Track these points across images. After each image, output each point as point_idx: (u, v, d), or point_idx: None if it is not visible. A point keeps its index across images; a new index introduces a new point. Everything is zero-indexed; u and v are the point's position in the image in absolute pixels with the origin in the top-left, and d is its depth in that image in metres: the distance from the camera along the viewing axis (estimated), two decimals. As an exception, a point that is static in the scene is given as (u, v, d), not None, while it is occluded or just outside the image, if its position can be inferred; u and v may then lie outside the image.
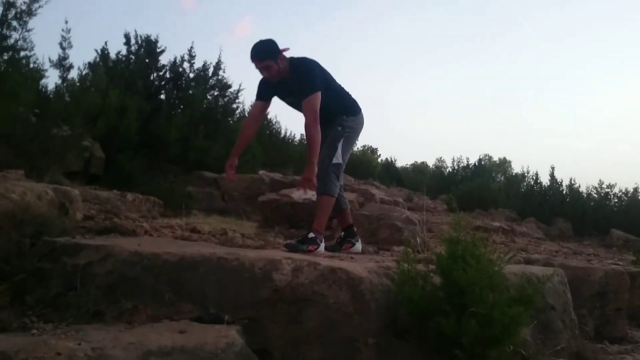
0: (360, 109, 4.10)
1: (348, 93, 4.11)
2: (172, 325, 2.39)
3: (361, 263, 3.09)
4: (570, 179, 13.34)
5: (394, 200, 10.26)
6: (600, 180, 12.95)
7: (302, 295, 2.59)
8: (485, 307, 2.40)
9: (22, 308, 2.56)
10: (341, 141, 3.87)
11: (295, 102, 3.91)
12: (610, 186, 12.60)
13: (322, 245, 3.74)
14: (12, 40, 3.79)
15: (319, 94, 3.69)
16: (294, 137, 20.72)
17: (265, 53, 3.69)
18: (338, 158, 3.82)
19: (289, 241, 3.81)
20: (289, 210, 6.82)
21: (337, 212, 4.11)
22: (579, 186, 13.25)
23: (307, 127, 3.67)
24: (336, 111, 3.94)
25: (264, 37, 3.74)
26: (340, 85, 4.09)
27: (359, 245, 4.16)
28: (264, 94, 3.98)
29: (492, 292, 2.50)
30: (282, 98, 4.03)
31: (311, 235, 3.68)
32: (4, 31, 3.74)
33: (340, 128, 3.91)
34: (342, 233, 4.17)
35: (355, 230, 4.25)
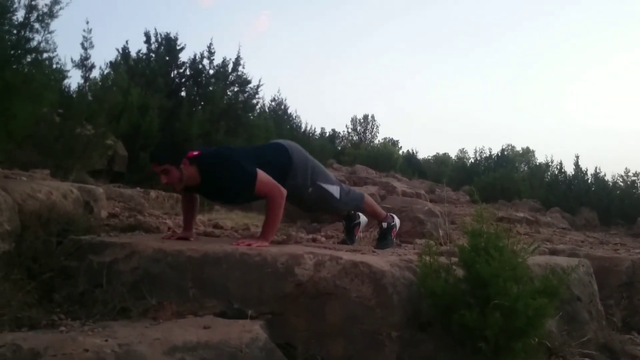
0: (284, 150, 3.54)
1: (266, 148, 3.64)
2: (197, 320, 2.41)
3: (383, 256, 3.08)
4: (596, 168, 13.17)
5: (416, 192, 10.23)
6: (626, 168, 12.75)
7: (325, 290, 2.60)
8: (509, 299, 2.38)
9: (50, 305, 2.62)
10: (317, 185, 3.57)
11: (227, 202, 3.63)
12: (637, 174, 12.38)
13: (395, 220, 3.91)
14: (34, 43, 3.83)
15: (259, 172, 3.17)
16: (315, 131, 20.80)
17: (164, 156, 3.15)
18: (334, 191, 3.64)
19: (374, 246, 3.77)
20: (310, 205, 6.80)
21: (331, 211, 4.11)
22: (605, 175, 13.07)
23: (274, 201, 3.21)
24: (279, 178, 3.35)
25: (167, 139, 3.44)
26: (255, 149, 3.62)
27: (363, 219, 4.09)
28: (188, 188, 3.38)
29: (516, 283, 2.47)
30: (212, 197, 3.64)
31: (384, 225, 3.81)
32: (27, 34, 3.79)
33: (304, 189, 3.55)
34: (344, 222, 4.10)
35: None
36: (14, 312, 2.38)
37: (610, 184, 12.82)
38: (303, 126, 19.63)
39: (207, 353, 2.07)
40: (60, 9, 3.90)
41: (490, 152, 20.62)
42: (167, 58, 11.06)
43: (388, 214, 3.92)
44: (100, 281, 2.64)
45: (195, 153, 3.21)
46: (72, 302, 2.64)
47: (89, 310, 2.54)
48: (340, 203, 3.69)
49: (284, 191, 3.22)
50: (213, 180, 3.22)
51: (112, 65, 10.44)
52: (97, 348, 1.95)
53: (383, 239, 3.74)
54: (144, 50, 11.17)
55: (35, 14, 3.81)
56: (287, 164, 3.45)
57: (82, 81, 7.86)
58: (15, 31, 3.77)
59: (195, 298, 2.58)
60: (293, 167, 3.45)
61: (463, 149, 28.05)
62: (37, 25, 3.83)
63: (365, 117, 29.63)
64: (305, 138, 18.79)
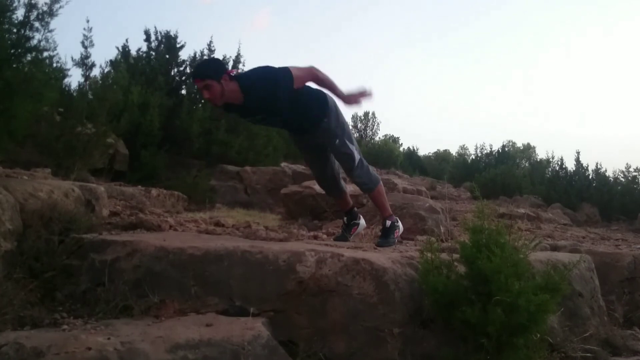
0: (323, 94, 3.65)
1: (307, 87, 3.65)
2: (199, 318, 2.42)
3: (385, 253, 3.08)
4: (597, 164, 13.18)
5: (417, 189, 10.21)
6: (627, 164, 12.75)
7: (326, 287, 2.60)
8: (510, 295, 2.38)
9: (52, 304, 2.62)
10: (343, 141, 3.64)
11: (267, 119, 3.64)
12: (638, 170, 12.38)
13: (399, 223, 3.89)
14: (35, 41, 3.83)
15: (290, 67, 3.36)
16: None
17: (206, 71, 3.35)
18: (355, 154, 3.68)
19: (376, 243, 3.77)
20: (311, 202, 6.83)
21: (337, 196, 4.11)
22: (606, 170, 13.08)
23: (317, 73, 3.46)
24: (314, 118, 3.60)
25: (209, 57, 3.60)
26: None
27: (362, 222, 4.12)
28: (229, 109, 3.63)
29: (517, 280, 2.47)
30: (253, 120, 3.78)
31: (387, 223, 3.77)
32: (27, 32, 3.79)
33: (333, 138, 3.63)
34: (345, 218, 4.12)
35: (356, 209, 4.20)
36: (16, 310, 2.38)
37: (612, 179, 12.84)
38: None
39: (209, 351, 2.07)
40: (60, 7, 3.90)
41: (491, 148, 20.64)
42: (167, 56, 11.04)
43: (394, 215, 3.91)
44: (103, 279, 2.64)
45: (236, 71, 3.41)
46: (75, 300, 2.65)
47: (91, 308, 2.54)
48: (355, 170, 3.72)
49: (314, 67, 3.45)
50: (253, 92, 3.34)
51: (113, 63, 10.42)
52: (100, 346, 1.96)
53: (385, 237, 3.73)
54: (144, 49, 11.15)
55: (35, 13, 3.81)
56: (324, 103, 3.61)
57: (82, 80, 7.88)
58: (15, 30, 3.77)
59: (197, 296, 2.59)
60: (329, 109, 3.59)
61: (464, 145, 28.14)
62: (37, 24, 3.82)
63: (366, 114, 29.60)
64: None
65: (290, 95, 3.37)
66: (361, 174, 3.74)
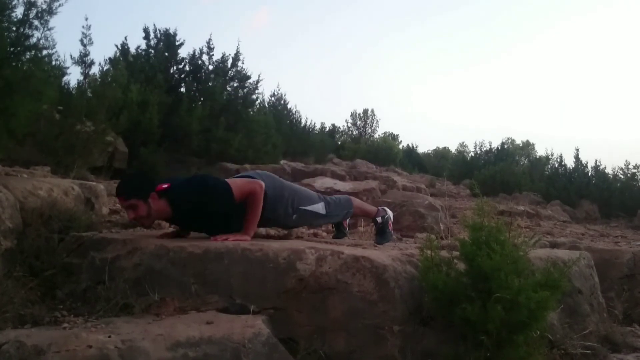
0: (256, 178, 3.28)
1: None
2: (199, 316, 2.42)
3: (385, 251, 3.09)
4: (596, 160, 13.19)
5: (416, 186, 10.23)
6: (626, 160, 12.76)
7: (326, 284, 2.60)
8: (510, 292, 2.39)
9: (53, 302, 2.63)
10: (302, 210, 3.44)
11: (209, 227, 3.19)
12: (637, 167, 12.39)
13: (388, 213, 3.84)
14: (34, 40, 3.82)
15: (229, 180, 3.12)
16: (315, 126, 20.80)
17: (131, 190, 2.95)
18: (318, 209, 3.53)
19: (376, 241, 3.75)
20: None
21: None
22: (605, 167, 13.08)
23: (254, 195, 3.06)
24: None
25: (135, 171, 3.20)
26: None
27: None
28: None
29: (517, 277, 2.48)
30: (188, 230, 3.35)
31: (378, 220, 3.76)
32: (26, 31, 3.78)
33: (288, 219, 3.43)
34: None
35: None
36: (16, 309, 2.38)
37: (611, 176, 12.85)
38: (303, 121, 19.65)
39: (210, 348, 2.07)
40: (59, 5, 3.90)
41: (490, 145, 20.62)
42: (167, 54, 11.04)
43: (379, 208, 3.90)
44: (103, 278, 2.65)
45: (165, 186, 3.01)
46: (75, 298, 2.65)
47: (91, 306, 2.54)
48: (328, 218, 3.66)
49: (262, 184, 3.11)
50: (187, 210, 3.01)
51: (112, 61, 10.43)
52: (101, 344, 1.96)
53: (382, 234, 3.73)
54: (143, 46, 11.16)
55: (34, 11, 3.81)
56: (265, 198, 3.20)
57: (81, 78, 7.88)
58: (14, 28, 3.77)
59: (198, 294, 2.59)
60: (269, 201, 3.22)
61: (463, 142, 28.15)
62: (36, 22, 3.82)
63: (365, 111, 29.59)
64: (305, 133, 18.82)
65: (226, 208, 3.06)
66: (335, 213, 3.67)
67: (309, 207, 3.48)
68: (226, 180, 3.12)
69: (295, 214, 3.42)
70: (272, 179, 3.43)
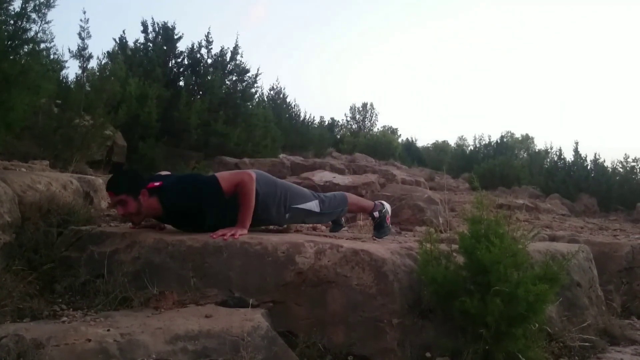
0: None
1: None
2: (198, 309, 2.42)
3: (384, 244, 3.09)
4: (595, 154, 13.21)
5: (416, 180, 10.23)
6: (625, 154, 12.77)
7: (325, 278, 2.61)
8: (509, 285, 2.39)
9: (52, 296, 2.63)
10: (294, 208, 3.40)
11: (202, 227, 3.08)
12: (636, 160, 12.41)
13: (385, 207, 3.78)
14: (32, 33, 3.81)
15: (216, 177, 3.04)
16: (314, 120, 20.76)
17: (121, 185, 2.92)
18: (312, 207, 3.48)
19: (374, 235, 3.73)
20: (310, 193, 6.81)
21: None
22: (604, 161, 13.10)
23: (244, 186, 3.00)
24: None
25: (127, 168, 3.14)
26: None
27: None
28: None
29: (516, 270, 2.48)
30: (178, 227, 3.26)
31: (375, 214, 3.72)
32: (24, 24, 3.77)
33: (281, 217, 3.38)
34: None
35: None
36: (15, 303, 2.39)
37: (610, 170, 12.86)
38: (302, 115, 19.61)
39: (209, 342, 2.08)
40: (57, -2, 3.88)
41: (489, 139, 20.69)
42: (165, 47, 11.00)
43: (375, 202, 3.88)
44: (102, 271, 2.65)
45: (157, 184, 2.99)
46: (74, 292, 2.65)
47: (90, 300, 2.55)
48: (322, 216, 3.62)
49: (253, 175, 3.06)
50: (177, 208, 2.97)
51: (110, 55, 10.39)
52: (100, 338, 1.96)
53: (380, 228, 3.72)
54: (142, 40, 11.11)
55: (32, 4, 3.79)
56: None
57: (79, 71, 7.84)
58: (12, 21, 3.75)
59: (197, 287, 2.59)
60: (260, 201, 3.16)
61: (462, 136, 28.15)
62: (34, 16, 3.81)
63: (364, 105, 29.57)
64: (304, 127, 18.79)
65: (218, 204, 3.01)
66: (330, 211, 3.63)
67: (302, 205, 3.44)
68: (214, 175, 3.08)
69: (288, 213, 3.37)
70: (265, 176, 3.37)
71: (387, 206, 3.87)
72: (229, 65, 11.52)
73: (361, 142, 21.97)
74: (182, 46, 11.29)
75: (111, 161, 7.78)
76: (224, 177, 3.04)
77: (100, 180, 4.19)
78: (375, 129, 28.59)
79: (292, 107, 19.30)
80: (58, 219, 3.07)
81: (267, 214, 3.27)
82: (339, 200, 3.70)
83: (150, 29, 11.12)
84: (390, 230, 3.82)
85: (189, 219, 3.03)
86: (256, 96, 12.74)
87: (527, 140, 29.26)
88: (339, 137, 25.40)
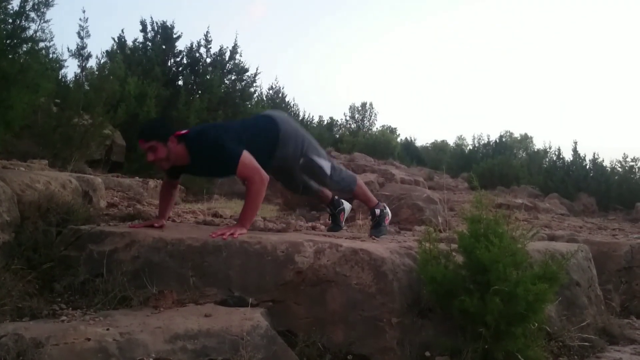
0: (272, 121, 3.42)
1: (254, 120, 3.55)
2: (198, 309, 2.42)
3: (383, 243, 3.09)
4: (594, 154, 13.21)
5: (415, 179, 10.23)
6: (624, 154, 12.76)
7: (325, 277, 2.61)
8: (509, 284, 2.39)
9: (51, 295, 2.62)
10: (309, 158, 3.47)
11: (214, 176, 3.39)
12: (635, 160, 12.40)
13: (387, 209, 3.83)
14: (30, 32, 3.80)
15: (244, 154, 3.06)
16: (313, 119, 20.76)
17: (152, 132, 3.10)
18: (325, 166, 3.55)
19: (371, 233, 3.74)
20: (309, 193, 6.81)
21: (314, 195, 3.99)
22: (603, 160, 13.09)
23: (253, 185, 3.05)
24: (267, 149, 3.33)
25: (158, 116, 3.38)
26: (243, 122, 3.56)
27: (347, 205, 4.05)
28: (173, 173, 3.38)
29: (515, 269, 2.48)
30: (200, 174, 3.61)
31: (376, 211, 3.74)
32: (23, 23, 3.76)
33: (295, 161, 3.46)
34: (329, 209, 4.06)
35: (337, 197, 4.07)
36: (14, 302, 2.38)
37: (609, 169, 12.86)
38: (301, 114, 19.62)
39: (208, 341, 2.08)
40: (56, -3, 3.87)
41: (488, 138, 20.69)
42: (164, 47, 10.97)
43: (380, 202, 3.89)
44: (101, 270, 2.64)
45: (184, 132, 3.16)
46: (73, 291, 2.65)
47: (89, 299, 2.54)
48: (331, 180, 3.63)
49: (266, 177, 3.10)
50: (200, 158, 3.15)
51: (109, 54, 10.37)
52: (99, 337, 1.96)
53: (378, 227, 3.72)
54: (141, 39, 11.09)
55: (30, 3, 3.78)
56: (274, 134, 3.35)
57: (78, 70, 7.85)
58: (10, 20, 3.74)
59: (196, 286, 2.59)
60: (281, 137, 3.34)
61: (461, 135, 28.11)
62: (32, 14, 3.79)
63: (364, 104, 29.49)
64: (303, 126, 18.78)
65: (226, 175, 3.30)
66: (338, 180, 3.66)
67: (316, 159, 3.52)
68: (237, 155, 3.06)
69: (302, 159, 3.47)
70: (289, 119, 3.59)
71: (389, 210, 3.89)
72: (228, 65, 11.49)
73: (360, 142, 21.94)
74: (181, 45, 11.26)
75: (110, 160, 7.77)
76: (244, 163, 3.06)
77: (99, 180, 4.18)
78: (374, 129, 28.56)
79: (291, 106, 19.31)
80: (57, 218, 3.07)
81: (284, 152, 3.39)
82: (350, 176, 3.78)
83: (149, 28, 11.10)
84: (388, 231, 3.82)
85: (212, 169, 3.29)
86: (255, 95, 12.73)
87: (526, 139, 29.25)
88: (338, 136, 25.38)
